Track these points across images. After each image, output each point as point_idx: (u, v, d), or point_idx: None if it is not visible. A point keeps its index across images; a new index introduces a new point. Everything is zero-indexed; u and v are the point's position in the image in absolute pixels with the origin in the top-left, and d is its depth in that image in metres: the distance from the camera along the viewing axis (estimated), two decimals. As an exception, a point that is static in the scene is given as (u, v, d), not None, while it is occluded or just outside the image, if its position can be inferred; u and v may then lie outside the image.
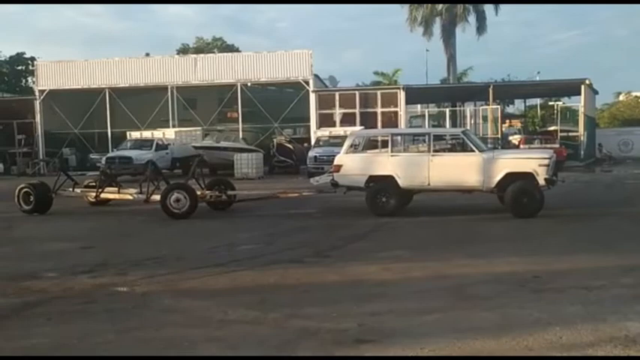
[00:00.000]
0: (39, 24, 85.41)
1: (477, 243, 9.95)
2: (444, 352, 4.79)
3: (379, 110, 33.62)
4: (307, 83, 33.42)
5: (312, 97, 33.38)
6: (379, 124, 33.01)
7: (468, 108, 37.59)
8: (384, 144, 14.17)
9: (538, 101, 48.22)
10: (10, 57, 52.37)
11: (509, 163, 12.72)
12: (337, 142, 27.10)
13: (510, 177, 12.36)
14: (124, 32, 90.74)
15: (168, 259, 9.11)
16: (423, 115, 36.89)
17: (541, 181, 12.27)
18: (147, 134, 30.87)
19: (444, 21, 41.61)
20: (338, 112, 33.94)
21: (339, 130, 29.99)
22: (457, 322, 5.61)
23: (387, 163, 13.14)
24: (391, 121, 33.51)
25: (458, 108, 39.03)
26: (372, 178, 13.14)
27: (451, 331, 5.31)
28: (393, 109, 33.55)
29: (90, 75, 34.90)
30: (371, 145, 15.32)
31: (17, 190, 15.02)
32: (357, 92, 35.04)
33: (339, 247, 9.77)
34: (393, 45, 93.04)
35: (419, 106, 43.54)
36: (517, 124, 46.22)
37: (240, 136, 32.63)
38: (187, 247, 10.24)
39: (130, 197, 14.91)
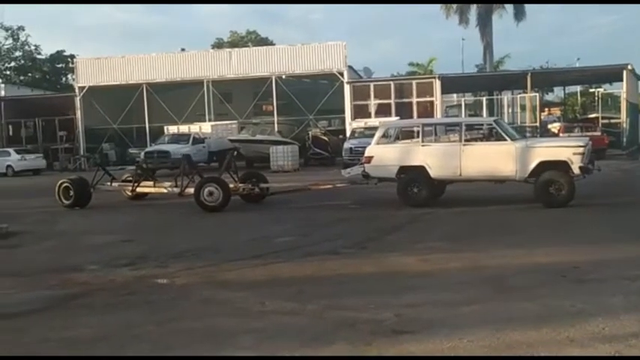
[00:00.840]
0: (77, 22, 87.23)
1: (515, 233, 9.81)
2: (482, 343, 4.74)
3: (414, 100, 33.35)
4: (342, 75, 33.32)
5: (347, 89, 33.27)
6: (415, 114, 32.74)
7: (506, 96, 36.97)
8: (415, 134, 14.03)
9: (578, 88, 47.05)
10: (51, 55, 53.57)
11: (542, 151, 12.49)
12: (372, 133, 26.98)
13: (544, 166, 12.13)
14: (159, 28, 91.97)
15: (206, 251, 9.24)
16: (460, 105, 36.45)
17: (575, 170, 11.99)
18: (184, 128, 31.24)
19: (480, 8, 40.95)
20: (373, 103, 33.78)
21: (374, 122, 29.82)
22: (496, 313, 5.55)
23: (418, 154, 13.02)
24: (427, 111, 33.20)
25: (495, 97, 38.40)
26: (404, 169, 13.06)
27: (490, 322, 5.26)
28: (428, 99, 33.24)
29: (127, 71, 35.47)
30: (402, 135, 15.30)
31: (57, 186, 15.43)
32: (392, 82, 34.78)
33: (375, 239, 9.75)
34: (428, 34, 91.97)
35: (455, 95, 43.05)
36: (556, 112, 45.26)
37: (276, 128, 32.77)
38: (225, 240, 10.35)
39: (165, 191, 15.16)
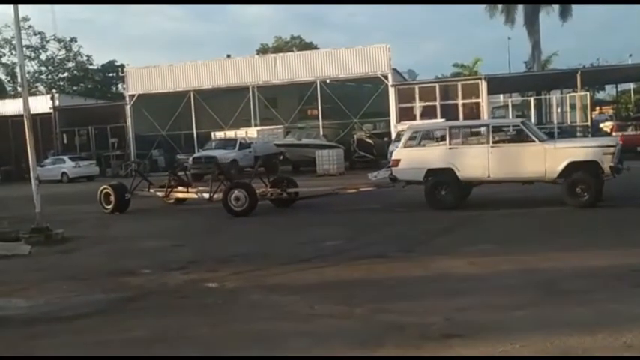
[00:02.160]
0: (127, 32, 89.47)
1: (566, 235, 9.62)
2: (535, 348, 4.67)
3: (460, 102, 33.01)
4: (386, 77, 33.24)
5: (392, 91, 33.17)
6: (460, 116, 32.39)
7: (554, 96, 36.19)
8: (443, 137, 13.95)
9: (631, 86, 45.65)
10: (102, 65, 55.24)
11: (572, 152, 12.45)
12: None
13: (573, 166, 12.04)
14: (205, 35, 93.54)
15: (254, 255, 9.36)
16: (506, 105, 35.86)
17: (606, 170, 11.89)
18: (230, 134, 31.70)
19: (526, 7, 40.17)
20: (418, 106, 33.57)
21: (419, 124, 29.66)
22: (549, 318, 5.45)
23: (445, 156, 13.01)
24: (473, 112, 32.81)
25: (543, 96, 37.62)
26: (431, 172, 13.02)
27: (542, 326, 5.17)
28: (474, 101, 32.85)
29: (175, 78, 36.23)
30: (429, 138, 15.19)
31: (99, 192, 16.01)
32: (437, 84, 34.51)
33: (423, 242, 9.70)
34: (472, 35, 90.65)
35: (501, 96, 42.38)
36: (608, 110, 44.05)
37: (321, 132, 32.90)
38: (272, 244, 10.47)
39: (196, 196, 15.44)
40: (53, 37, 53.69)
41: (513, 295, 6.27)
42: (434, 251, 8.84)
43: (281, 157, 28.84)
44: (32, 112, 13.54)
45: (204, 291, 7.29)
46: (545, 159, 12.27)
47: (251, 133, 31.75)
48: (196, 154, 29.80)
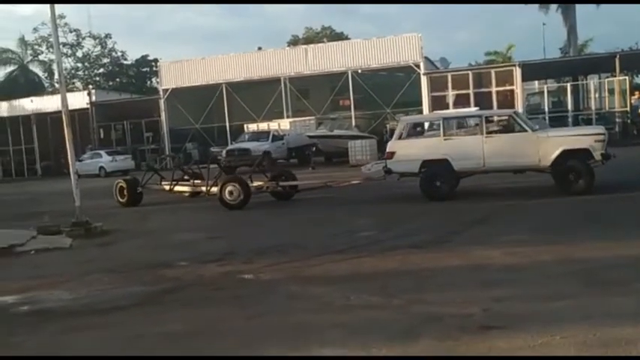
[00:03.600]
0: (160, 27, 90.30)
1: (606, 224, 9.41)
2: (576, 340, 4.57)
3: (494, 90, 32.53)
4: (418, 66, 32.93)
5: (424, 80, 32.86)
6: (494, 103, 31.91)
7: (592, 81, 35.32)
8: (436, 128, 14.01)
9: (673, 69, 44.32)
10: (136, 60, 56.03)
11: (565, 140, 12.76)
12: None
13: (566, 154, 12.30)
14: (236, 29, 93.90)
15: (288, 247, 9.37)
16: (542, 92, 35.16)
17: (597, 157, 12.18)
18: (263, 126, 31.84)
19: (561, -8, 39.27)
20: (451, 94, 33.19)
21: (452, 113, 29.32)
22: (590, 308, 5.34)
23: (440, 147, 13.11)
24: (507, 99, 32.29)
25: (580, 82, 36.78)
26: (426, 163, 13.05)
27: (584, 317, 5.07)
28: (508, 88, 32.31)
29: (207, 72, 36.50)
30: (423, 130, 15.03)
31: (114, 186, 16.61)
32: (469, 72, 34.03)
33: (459, 232, 9.59)
34: (505, 22, 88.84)
35: (536, 82, 41.58)
36: (648, 95, 42.82)
37: (353, 123, 32.79)
38: (305, 236, 10.48)
39: (197, 189, 15.72)
40: (88, 34, 54.74)
41: (552, 285, 6.16)
42: (470, 241, 8.74)
43: (314, 149, 28.86)
44: (70, 107, 13.81)
45: (240, 283, 7.34)
46: (539, 147, 12.50)
47: (283, 124, 31.84)
48: (229, 147, 30.03)
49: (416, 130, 14.41)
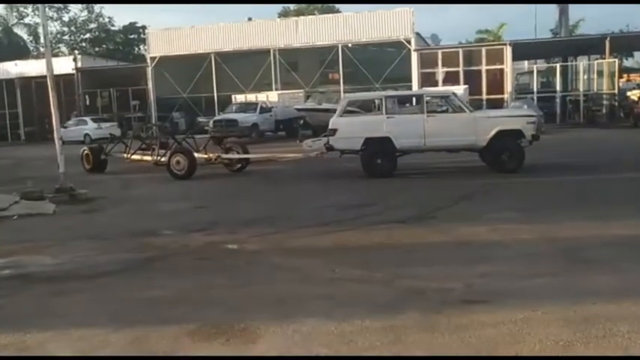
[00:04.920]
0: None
1: (592, 204, 9.48)
2: (558, 316, 4.63)
3: (484, 68, 32.41)
4: (409, 42, 32.71)
5: (414, 57, 32.67)
6: (484, 82, 31.88)
7: (581, 62, 35.33)
8: (379, 107, 14.13)
9: (661, 53, 44.48)
10: (124, 27, 55.10)
11: (500, 121, 13.30)
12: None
13: (501, 134, 12.85)
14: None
15: (274, 218, 9.40)
16: (531, 72, 35.14)
17: (528, 137, 12.95)
18: (251, 97, 31.57)
19: (555, -29, 39.05)
20: (441, 71, 33.06)
21: (442, 90, 29.28)
22: (571, 286, 5.42)
23: (383, 125, 13.31)
24: (496, 79, 32.25)
25: (570, 63, 36.80)
26: (369, 141, 13.23)
27: (566, 294, 5.14)
28: (498, 67, 32.25)
29: (196, 41, 35.99)
30: (365, 108, 15.47)
31: (81, 152, 17.24)
32: (460, 50, 33.84)
33: (443, 208, 9.63)
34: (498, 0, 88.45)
35: (526, 62, 41.57)
36: (637, 78, 43.01)
37: (342, 97, 32.61)
38: (291, 208, 10.50)
39: (149, 158, 16.12)
40: (75, -2, 53.57)
41: (536, 262, 6.23)
42: (454, 218, 8.80)
43: (301, 122, 28.73)
44: (55, 73, 13.59)
45: (225, 253, 7.36)
46: (477, 127, 12.96)
47: (272, 96, 31.57)
48: (217, 117, 29.79)
49: (359, 108, 14.45)
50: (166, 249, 7.61)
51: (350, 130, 13.46)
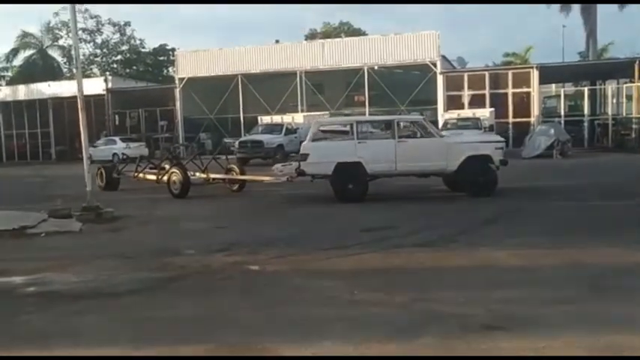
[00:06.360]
0: (180, 16, 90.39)
1: (614, 230, 9.32)
2: (580, 345, 4.57)
3: (510, 91, 32.30)
4: (434, 65, 32.75)
5: (440, 79, 32.68)
6: (510, 105, 31.74)
7: (610, 86, 34.96)
8: (350, 131, 14.14)
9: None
10: (154, 48, 56.13)
11: (469, 146, 13.55)
12: (466, 124, 26.44)
13: (470, 160, 13.04)
14: (255, 20, 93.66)
15: (295, 239, 9.44)
16: (559, 96, 34.87)
17: (496, 162, 13.14)
18: (277, 119, 31.83)
19: (583, -6, 38.79)
20: (466, 94, 33.01)
21: (467, 113, 29.18)
22: (594, 314, 5.33)
23: (354, 150, 13.34)
24: (523, 102, 32.07)
25: (598, 87, 36.42)
26: (340, 165, 13.20)
27: (588, 322, 5.06)
28: (525, 90, 32.08)
29: (224, 63, 36.53)
30: (336, 132, 15.62)
31: (97, 170, 17.58)
32: (486, 73, 33.79)
33: (466, 232, 9.55)
34: (525, 23, 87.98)
35: (553, 85, 41.22)
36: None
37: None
38: (313, 229, 10.52)
39: (153, 178, 16.71)
40: (108, 21, 54.84)
41: (558, 289, 6.15)
42: (477, 241, 8.70)
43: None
44: (86, 93, 13.92)
45: (247, 273, 7.39)
46: (447, 153, 13.13)
47: (297, 118, 31.79)
48: (242, 138, 30.07)
49: (330, 133, 14.51)
50: (188, 269, 7.68)
51: (321, 154, 13.49)
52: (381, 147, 13.50)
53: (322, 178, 13.70)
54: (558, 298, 5.78)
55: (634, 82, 30.84)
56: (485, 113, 28.54)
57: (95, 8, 52.69)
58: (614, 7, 38.20)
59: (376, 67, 33.82)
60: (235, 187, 16.17)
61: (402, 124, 14.68)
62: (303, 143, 14.07)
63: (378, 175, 13.61)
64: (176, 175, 15.37)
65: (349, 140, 13.88)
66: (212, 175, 16.22)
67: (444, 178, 13.90)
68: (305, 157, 13.57)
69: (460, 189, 13.44)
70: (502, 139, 14.55)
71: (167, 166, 16.64)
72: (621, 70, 33.42)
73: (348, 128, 14.45)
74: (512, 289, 6.19)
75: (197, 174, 16.19)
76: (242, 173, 16.11)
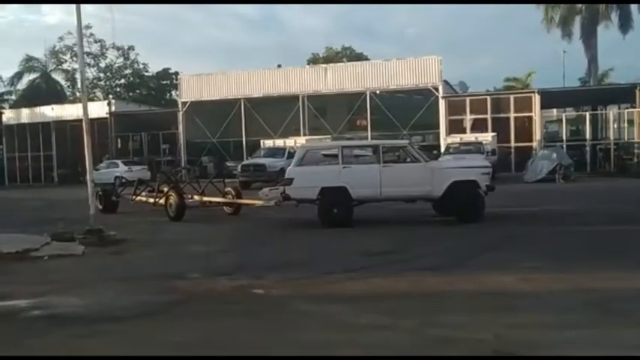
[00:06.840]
0: (182, 41, 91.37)
1: (625, 255, 9.26)
2: (590, 370, 4.51)
3: (512, 115, 32.46)
4: (436, 89, 32.95)
5: (442, 104, 32.84)
6: (512, 129, 31.85)
7: (611, 111, 35.11)
8: (335, 156, 14.09)
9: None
10: (157, 72, 56.59)
11: (455, 171, 13.49)
12: (468, 149, 26.50)
13: (456, 185, 12.93)
14: (257, 44, 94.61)
15: (300, 263, 9.38)
16: (560, 120, 35.00)
17: (483, 187, 13.04)
18: (279, 142, 31.92)
19: (584, 20, 39.12)
20: (468, 118, 33.15)
21: (469, 137, 29.26)
22: (604, 339, 5.28)
23: (339, 175, 13.33)
24: (524, 126, 32.18)
25: (599, 112, 36.57)
26: (325, 190, 13.20)
27: (598, 348, 5.01)
28: (527, 114, 32.21)
29: (227, 87, 36.79)
30: (322, 157, 15.52)
31: (95, 193, 17.36)
32: (488, 97, 33.98)
33: (473, 256, 9.50)
34: (526, 48, 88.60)
35: (555, 110, 41.40)
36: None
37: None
38: (318, 253, 10.47)
39: (151, 200, 17.03)
40: (112, 45, 55.40)
41: (566, 314, 6.09)
42: (484, 266, 8.66)
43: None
44: (89, 116, 13.97)
45: (251, 298, 7.33)
46: (433, 178, 13.04)
47: (300, 142, 31.85)
48: (245, 162, 30.12)
49: (315, 158, 14.49)
50: (192, 293, 7.63)
51: (306, 179, 13.44)
52: (365, 172, 13.48)
53: (307, 203, 13.63)
54: (568, 323, 5.73)
55: (635, 108, 30.97)
56: (487, 137, 28.61)
57: (99, 33, 53.26)
58: (617, 33, 38.42)
59: (378, 92, 34.04)
60: (231, 210, 16.32)
61: (387, 148, 14.54)
62: (288, 168, 14.09)
63: (363, 200, 13.53)
64: (172, 198, 15.55)
65: (334, 165, 13.81)
66: (206, 199, 16.38)
67: (433, 204, 13.82)
68: (290, 181, 13.54)
69: (449, 214, 13.30)
70: (489, 164, 14.56)
71: (165, 189, 16.71)
72: (622, 95, 33.60)
73: (334, 152, 14.43)
74: (521, 314, 6.14)
75: (195, 197, 16.35)
76: (238, 197, 16.20)
